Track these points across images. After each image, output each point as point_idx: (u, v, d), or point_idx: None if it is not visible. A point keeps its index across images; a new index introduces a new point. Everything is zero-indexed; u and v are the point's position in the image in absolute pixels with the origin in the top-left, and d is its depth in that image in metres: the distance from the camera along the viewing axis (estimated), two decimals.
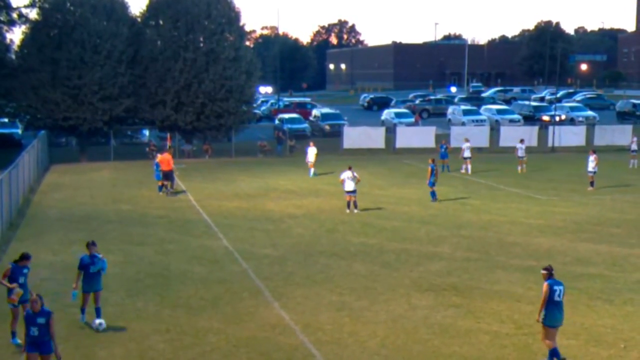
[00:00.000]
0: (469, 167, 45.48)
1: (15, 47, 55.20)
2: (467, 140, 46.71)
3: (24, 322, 14.64)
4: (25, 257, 17.65)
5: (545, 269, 16.24)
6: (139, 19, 56.10)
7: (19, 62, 53.47)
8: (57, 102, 51.68)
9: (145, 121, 56.30)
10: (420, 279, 22.44)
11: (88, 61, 51.58)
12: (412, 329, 18.18)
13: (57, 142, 58.94)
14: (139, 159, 52.44)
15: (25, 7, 54.06)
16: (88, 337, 17.72)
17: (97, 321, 18.01)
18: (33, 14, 53.89)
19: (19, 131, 60.79)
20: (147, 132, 60.97)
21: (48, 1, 53.22)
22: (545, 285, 15.96)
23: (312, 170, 44.39)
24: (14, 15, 54.09)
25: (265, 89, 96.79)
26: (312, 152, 44.50)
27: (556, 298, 15.87)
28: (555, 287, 15.90)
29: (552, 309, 15.88)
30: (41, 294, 18.47)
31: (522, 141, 47.00)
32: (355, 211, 32.86)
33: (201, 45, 54.30)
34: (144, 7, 56.16)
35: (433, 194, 35.48)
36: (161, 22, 54.82)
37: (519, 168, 45.57)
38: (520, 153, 45.81)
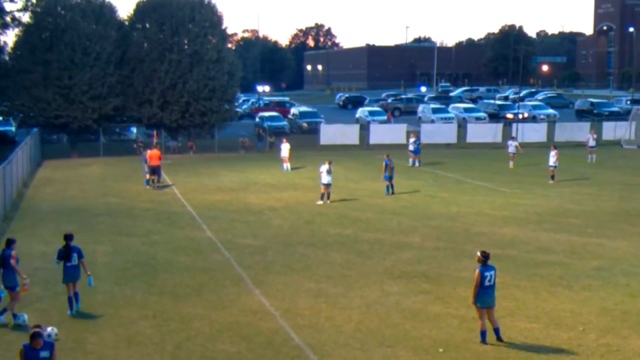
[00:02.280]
0: (412, 160, 46.24)
1: (8, 49, 54.97)
2: (413, 136, 47.87)
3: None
4: (11, 241, 17.90)
5: (482, 254, 16.39)
6: (126, 22, 55.81)
7: (12, 63, 53.12)
8: (48, 101, 51.38)
9: (133, 119, 56.07)
10: (393, 267, 22.50)
11: (78, 62, 51.31)
12: (385, 313, 18.23)
13: (49, 139, 58.53)
14: (127, 154, 52.24)
15: (18, 11, 53.81)
16: (79, 323, 17.64)
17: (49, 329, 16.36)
18: (26, 17, 53.70)
19: (13, 129, 60.39)
20: (134, 130, 60.70)
21: (40, 5, 52.92)
22: (477, 272, 16.16)
23: (287, 165, 44.30)
24: (8, 18, 53.75)
25: (263, 88, 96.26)
26: (285, 148, 44.34)
27: (486, 283, 16.09)
28: (486, 274, 16.11)
29: (482, 293, 16.09)
30: (34, 284, 18.43)
31: (513, 138, 46.59)
32: (327, 202, 32.97)
33: (185, 47, 54.07)
34: (131, 11, 55.91)
35: (389, 187, 35.48)
36: (147, 25, 54.57)
37: (510, 163, 44.92)
38: (512, 149, 45.14)
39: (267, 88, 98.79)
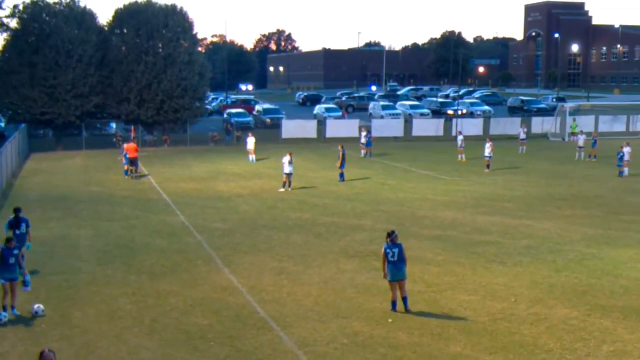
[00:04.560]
0: (364, 152, 46.34)
1: None
2: (365, 130, 48.52)
3: None
4: (10, 239, 16.98)
5: (387, 234, 16.64)
6: (106, 28, 55.10)
7: (1, 65, 52.19)
8: (35, 100, 50.66)
9: (113, 115, 55.37)
10: (347, 247, 22.57)
11: (62, 64, 50.61)
12: (340, 289, 18.29)
13: (36, 134, 57.49)
14: (108, 148, 51.64)
15: (6, 17, 52.84)
16: (65, 299, 17.46)
17: (36, 306, 16.56)
18: (13, 23, 52.66)
19: (2, 125, 59.42)
20: (114, 125, 59.86)
21: (26, 12, 52.04)
22: (382, 250, 16.43)
23: (252, 157, 44.15)
24: None
25: (246, 87, 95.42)
26: (251, 141, 44.21)
27: (390, 259, 16.31)
28: (389, 251, 16.32)
29: (390, 268, 16.34)
30: (27, 272, 18.15)
31: (460, 133, 45.71)
32: (288, 190, 32.92)
33: (160, 50, 53.58)
34: (111, 18, 55.24)
35: (342, 175, 35.65)
36: (125, 30, 53.95)
37: (460, 157, 43.75)
38: (460, 144, 44.12)
39: (250, 87, 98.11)
